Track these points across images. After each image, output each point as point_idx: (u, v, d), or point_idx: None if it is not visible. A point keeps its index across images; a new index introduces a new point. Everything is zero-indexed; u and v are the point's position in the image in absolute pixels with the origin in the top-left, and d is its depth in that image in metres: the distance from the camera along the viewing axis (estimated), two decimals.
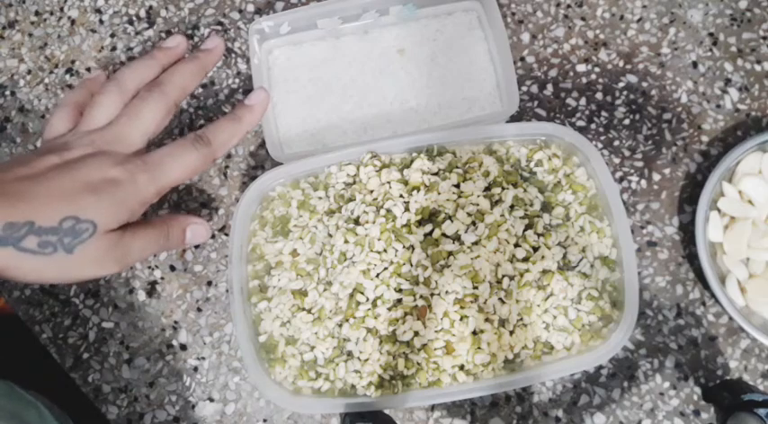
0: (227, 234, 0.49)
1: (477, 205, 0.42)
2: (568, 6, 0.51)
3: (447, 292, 0.40)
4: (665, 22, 0.51)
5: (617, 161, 0.49)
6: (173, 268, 0.49)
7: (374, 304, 0.41)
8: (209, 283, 0.48)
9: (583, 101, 0.50)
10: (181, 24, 0.53)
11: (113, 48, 0.53)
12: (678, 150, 0.49)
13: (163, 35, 0.53)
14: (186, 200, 0.50)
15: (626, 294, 0.41)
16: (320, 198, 0.44)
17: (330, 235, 0.43)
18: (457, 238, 0.42)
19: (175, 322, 0.48)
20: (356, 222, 0.42)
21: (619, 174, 0.48)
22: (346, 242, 0.42)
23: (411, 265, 0.41)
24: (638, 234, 0.47)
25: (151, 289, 0.49)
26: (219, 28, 0.53)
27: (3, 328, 0.51)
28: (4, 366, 0.42)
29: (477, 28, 0.49)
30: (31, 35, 0.54)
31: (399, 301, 0.41)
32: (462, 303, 0.40)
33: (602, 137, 0.49)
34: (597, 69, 0.50)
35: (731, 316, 0.43)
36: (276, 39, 0.49)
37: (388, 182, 0.43)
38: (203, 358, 0.47)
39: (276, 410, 0.46)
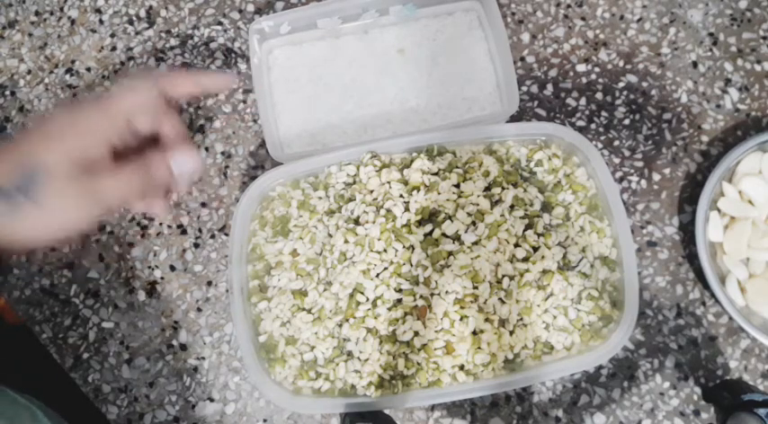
0: (227, 234, 0.49)
1: (477, 205, 0.42)
2: (568, 6, 0.51)
3: (447, 292, 0.40)
4: (665, 21, 0.51)
5: (617, 161, 0.49)
6: (173, 268, 0.49)
7: (374, 304, 0.41)
8: (209, 283, 0.48)
9: (583, 101, 0.50)
10: (181, 24, 0.53)
11: (113, 48, 0.53)
12: (678, 150, 0.49)
13: (163, 35, 0.53)
14: (186, 200, 0.50)
15: (626, 294, 0.41)
16: (320, 198, 0.44)
17: (330, 235, 0.43)
18: (457, 238, 0.42)
19: (175, 322, 0.48)
20: (356, 222, 0.42)
21: (619, 174, 0.48)
22: (346, 242, 0.42)
23: (411, 265, 0.41)
24: (638, 233, 0.47)
25: (151, 289, 0.49)
26: (219, 28, 0.53)
27: None
28: None
29: (477, 28, 0.49)
30: (31, 35, 0.54)
31: (399, 301, 0.41)
32: (462, 303, 0.40)
33: (602, 137, 0.49)
34: (597, 69, 0.50)
35: (731, 316, 0.43)
36: (276, 39, 0.49)
37: (388, 182, 0.43)
38: (203, 358, 0.47)
39: (276, 410, 0.46)
